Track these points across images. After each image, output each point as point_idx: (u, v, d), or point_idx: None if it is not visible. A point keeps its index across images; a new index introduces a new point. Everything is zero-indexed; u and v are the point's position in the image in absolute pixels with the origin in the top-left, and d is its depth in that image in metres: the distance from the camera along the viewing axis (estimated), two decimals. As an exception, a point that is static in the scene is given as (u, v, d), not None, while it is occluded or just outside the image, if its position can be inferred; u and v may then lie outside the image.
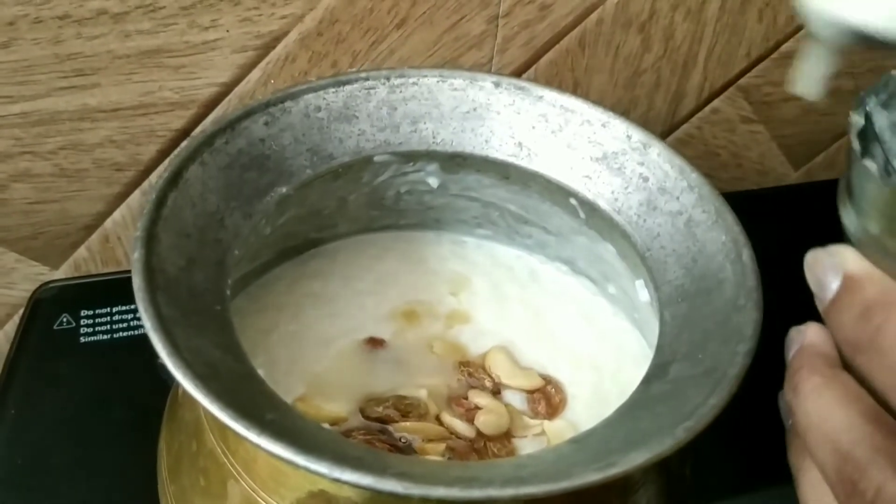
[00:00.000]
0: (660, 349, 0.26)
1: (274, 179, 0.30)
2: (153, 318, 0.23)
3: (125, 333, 0.46)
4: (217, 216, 0.28)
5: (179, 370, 0.22)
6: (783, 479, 0.41)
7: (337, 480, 0.20)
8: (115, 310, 0.47)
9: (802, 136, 0.60)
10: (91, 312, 0.46)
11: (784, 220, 0.56)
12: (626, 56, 0.52)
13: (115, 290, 0.48)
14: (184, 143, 0.47)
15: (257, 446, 0.21)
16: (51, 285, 0.48)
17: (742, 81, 0.55)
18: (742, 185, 0.62)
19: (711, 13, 0.51)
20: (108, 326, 0.46)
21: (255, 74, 0.47)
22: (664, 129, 0.57)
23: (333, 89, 0.32)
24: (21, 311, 0.48)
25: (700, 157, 0.59)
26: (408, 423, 0.30)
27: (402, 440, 0.29)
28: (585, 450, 0.23)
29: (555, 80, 0.52)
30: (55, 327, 0.46)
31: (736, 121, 0.58)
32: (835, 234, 0.55)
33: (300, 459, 0.20)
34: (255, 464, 0.26)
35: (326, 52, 0.47)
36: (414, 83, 0.33)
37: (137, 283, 0.24)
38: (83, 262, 0.52)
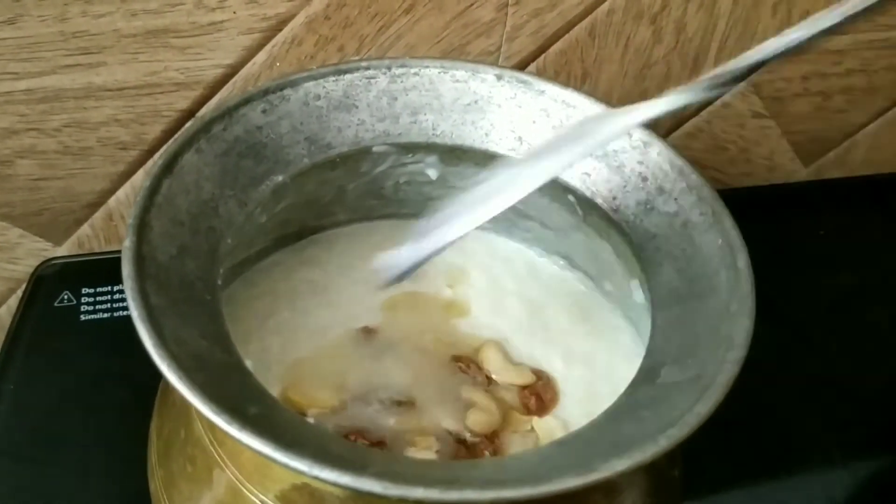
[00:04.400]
0: (650, 352, 0.26)
1: (270, 168, 0.30)
2: (140, 308, 0.23)
3: (125, 312, 0.45)
4: (211, 204, 0.28)
5: (164, 362, 0.22)
6: (772, 478, 0.41)
7: (316, 478, 0.20)
8: (115, 288, 0.47)
9: (813, 133, 0.60)
10: (92, 290, 0.47)
11: (792, 217, 0.56)
12: (637, 48, 0.51)
13: (116, 268, 0.47)
14: (181, 130, 0.47)
15: (238, 441, 0.21)
16: (53, 262, 0.48)
17: (754, 76, 0.55)
18: (750, 180, 0.61)
19: (725, 6, 0.50)
20: (109, 305, 0.46)
21: (261, 57, 0.46)
22: (673, 123, 0.56)
23: (333, 78, 0.32)
24: (24, 287, 0.48)
25: (708, 151, 0.58)
26: (395, 419, 0.30)
27: (388, 436, 0.29)
28: (569, 453, 0.23)
29: (564, 71, 0.51)
30: (56, 304, 0.46)
31: (746, 115, 0.57)
32: (842, 232, 0.55)
33: (280, 456, 0.20)
34: (241, 454, 0.26)
35: (333, 35, 0.46)
36: (415, 73, 0.33)
37: (127, 271, 0.24)
38: (86, 239, 0.52)
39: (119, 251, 0.50)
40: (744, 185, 0.60)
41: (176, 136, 0.28)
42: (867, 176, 0.62)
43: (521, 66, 0.50)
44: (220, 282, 0.27)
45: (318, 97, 0.31)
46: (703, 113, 0.56)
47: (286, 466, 0.20)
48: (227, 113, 0.30)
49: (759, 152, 0.60)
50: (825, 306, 0.50)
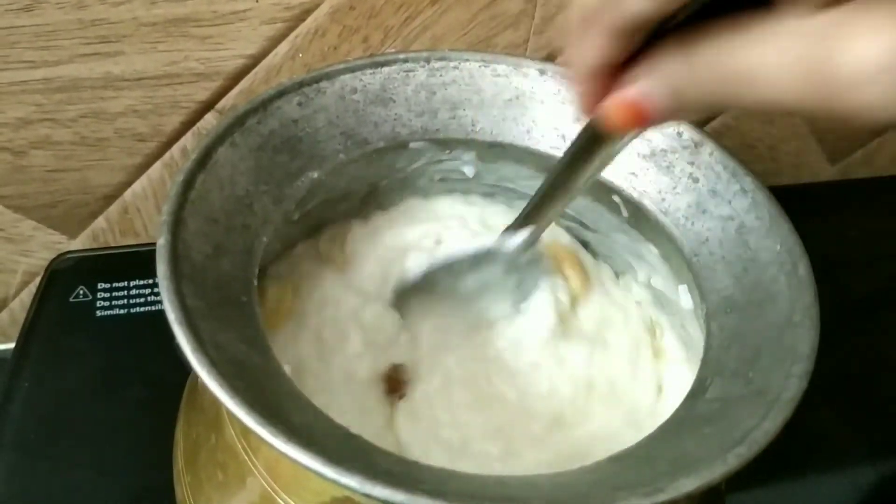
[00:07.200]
0: (705, 363, 0.25)
1: (306, 163, 0.29)
2: (178, 311, 0.22)
3: (142, 308, 0.45)
4: (246, 200, 0.27)
5: (204, 368, 0.21)
6: (799, 478, 0.40)
7: (367, 496, 0.19)
8: (132, 284, 0.46)
9: (843, 131, 0.58)
10: (108, 286, 0.45)
11: (819, 217, 0.55)
12: (668, 43, 0.50)
13: (132, 263, 0.47)
14: (214, 123, 0.45)
15: (284, 455, 0.20)
16: (68, 256, 0.47)
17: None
18: (775, 179, 0.60)
19: None
20: (125, 301, 0.45)
21: (284, 47, 0.45)
22: (701, 119, 0.55)
23: (371, 70, 0.30)
24: (38, 280, 0.47)
25: (735, 148, 0.56)
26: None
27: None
28: (628, 471, 0.21)
29: (592, 65, 0.50)
30: (71, 300, 0.45)
31: (776, 112, 0.56)
32: (869, 232, 0.53)
33: (329, 472, 0.19)
34: (277, 463, 0.24)
35: (358, 26, 0.45)
36: (455, 67, 0.31)
37: (162, 271, 0.23)
38: (101, 232, 0.51)
39: (135, 245, 0.50)
40: (769, 184, 0.59)
41: (209, 128, 0.27)
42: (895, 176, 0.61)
43: (549, 60, 0.49)
44: (255, 282, 0.26)
45: (354, 90, 0.30)
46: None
47: (335, 482, 0.19)
48: (262, 105, 0.28)
49: (787, 150, 0.59)
50: (852, 307, 0.49)
